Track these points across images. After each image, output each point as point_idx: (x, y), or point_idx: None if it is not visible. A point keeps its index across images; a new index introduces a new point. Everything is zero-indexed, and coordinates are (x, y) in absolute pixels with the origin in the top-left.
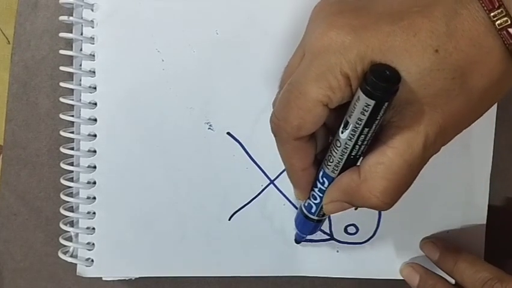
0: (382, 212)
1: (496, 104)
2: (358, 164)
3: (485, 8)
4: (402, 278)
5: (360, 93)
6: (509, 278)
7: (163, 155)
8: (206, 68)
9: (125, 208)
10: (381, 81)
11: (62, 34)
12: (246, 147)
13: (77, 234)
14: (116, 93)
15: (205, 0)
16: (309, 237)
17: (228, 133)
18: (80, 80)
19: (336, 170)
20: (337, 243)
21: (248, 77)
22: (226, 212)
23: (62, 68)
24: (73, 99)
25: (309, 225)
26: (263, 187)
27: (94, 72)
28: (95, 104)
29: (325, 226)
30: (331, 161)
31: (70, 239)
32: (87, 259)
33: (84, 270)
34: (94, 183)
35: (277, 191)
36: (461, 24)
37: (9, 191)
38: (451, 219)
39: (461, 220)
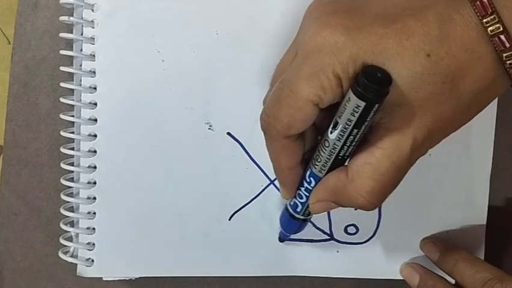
0: (382, 212)
1: (496, 104)
2: (346, 164)
3: (478, 14)
4: (402, 278)
5: (351, 95)
6: (509, 278)
7: (163, 155)
8: (206, 68)
9: (125, 208)
10: (372, 83)
11: (62, 34)
12: (246, 147)
13: (77, 234)
14: (117, 93)
15: (205, 0)
16: (309, 237)
17: (228, 133)
18: (81, 80)
19: (324, 170)
20: (337, 243)
21: (248, 77)
22: (226, 212)
23: (62, 68)
24: (73, 100)
25: (294, 224)
26: (263, 187)
27: (94, 72)
28: (96, 104)
29: (325, 226)
30: (319, 160)
31: (70, 239)
32: (87, 259)
33: (84, 270)
34: (94, 183)
35: (277, 191)
36: (454, 29)
37: (10, 191)
38: (451, 219)
39: (461, 220)
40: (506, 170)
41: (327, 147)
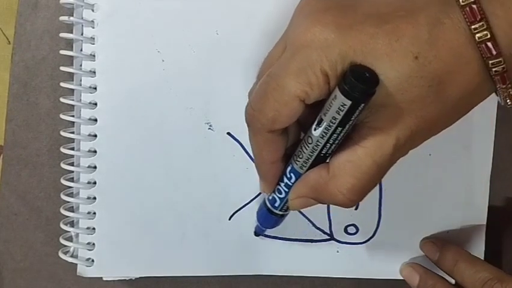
0: (382, 212)
1: (496, 104)
2: (327, 161)
3: (467, 20)
4: (402, 278)
5: (337, 93)
6: (509, 278)
7: (163, 155)
8: (206, 68)
9: (125, 208)
10: (360, 82)
11: (62, 34)
12: (246, 147)
13: (77, 234)
14: (117, 93)
15: (205, 0)
16: (309, 237)
17: (228, 133)
18: (81, 80)
19: (305, 167)
20: (337, 243)
21: (248, 77)
22: (226, 212)
23: (62, 68)
24: (73, 100)
25: (271, 219)
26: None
27: (94, 72)
28: (96, 104)
29: (325, 226)
30: (300, 157)
31: (70, 239)
32: (87, 259)
33: (84, 270)
34: (94, 183)
35: None
36: (443, 34)
37: (10, 191)
38: (451, 219)
39: (461, 220)
40: (506, 170)
41: (310, 144)
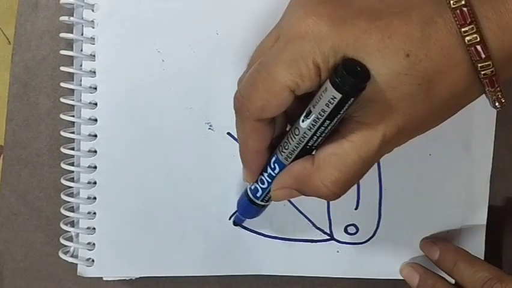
0: (382, 212)
1: None
2: (313, 154)
3: (457, 22)
4: (402, 278)
5: (328, 85)
6: (509, 278)
7: (163, 155)
8: (206, 68)
9: (126, 208)
10: (351, 76)
11: (62, 34)
12: None
13: (77, 234)
14: (117, 93)
15: (205, 0)
16: (309, 237)
17: (228, 133)
18: (81, 80)
19: (290, 158)
20: (337, 243)
21: None
22: (226, 212)
23: (62, 68)
24: (73, 100)
25: (251, 209)
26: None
27: (95, 72)
28: (96, 104)
29: (325, 226)
30: (286, 148)
31: (70, 239)
32: (87, 259)
33: (84, 270)
34: (95, 183)
35: None
36: (435, 33)
37: (10, 191)
38: (451, 219)
39: (461, 220)
40: (506, 170)
41: (297, 135)
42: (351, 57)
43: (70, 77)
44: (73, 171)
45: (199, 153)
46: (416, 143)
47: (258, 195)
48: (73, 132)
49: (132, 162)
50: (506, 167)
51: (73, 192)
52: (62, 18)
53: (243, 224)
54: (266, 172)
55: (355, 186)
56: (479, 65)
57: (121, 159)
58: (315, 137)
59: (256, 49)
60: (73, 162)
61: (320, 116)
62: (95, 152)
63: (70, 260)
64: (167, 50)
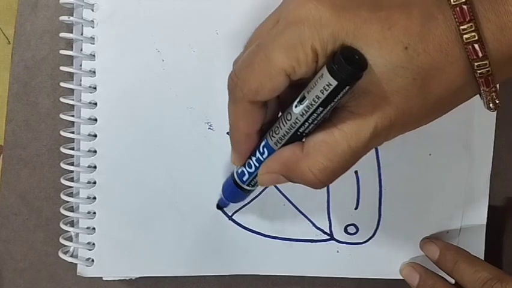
0: (382, 212)
1: None
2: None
3: (456, 19)
4: (402, 278)
5: (324, 71)
6: (509, 278)
7: (163, 154)
8: (206, 68)
9: (125, 208)
10: (348, 63)
11: (62, 34)
12: None
13: (77, 234)
14: (117, 93)
15: (205, 0)
16: (309, 237)
17: (228, 133)
18: (81, 80)
19: (279, 143)
20: (337, 243)
21: None
22: (226, 211)
23: (62, 68)
24: (73, 99)
25: (236, 193)
26: (263, 187)
27: (94, 72)
28: (96, 104)
29: (325, 226)
30: (277, 132)
31: (70, 239)
32: (87, 259)
33: (84, 270)
34: (94, 183)
35: (277, 191)
36: (435, 29)
37: (10, 190)
38: (451, 219)
39: (461, 220)
40: (506, 170)
41: (289, 120)
42: (350, 45)
43: (70, 76)
44: (72, 171)
45: (199, 153)
46: (416, 143)
47: (245, 179)
48: (72, 132)
49: (132, 162)
50: (506, 167)
51: (72, 192)
52: (62, 18)
53: (243, 224)
54: (254, 156)
55: (355, 186)
56: (476, 63)
57: (120, 159)
58: (307, 123)
59: (255, 31)
60: (73, 162)
61: (313, 102)
62: (95, 151)
63: (70, 259)
64: (167, 50)
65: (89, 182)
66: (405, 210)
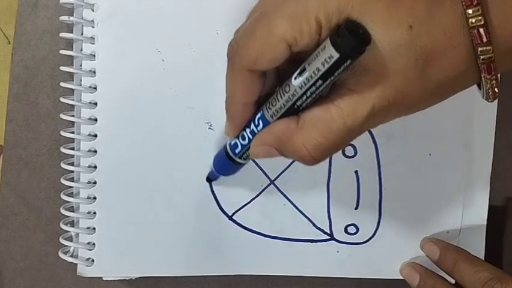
0: (382, 212)
1: (496, 104)
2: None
3: (463, 3)
4: (402, 278)
5: (327, 44)
6: (509, 278)
7: (163, 154)
8: (206, 68)
9: (125, 208)
10: (352, 36)
11: (62, 34)
12: None
13: (77, 234)
14: (117, 93)
15: (205, 0)
16: (309, 237)
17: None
18: (81, 80)
19: (275, 116)
20: (337, 243)
21: None
22: (226, 211)
23: (62, 68)
24: (73, 99)
25: (227, 165)
26: (263, 187)
27: (94, 72)
28: (96, 104)
29: (325, 226)
30: (274, 104)
31: (70, 239)
32: (87, 259)
33: (84, 270)
34: (95, 183)
35: (277, 191)
36: (440, 11)
37: (10, 190)
38: (451, 219)
39: (461, 220)
40: (506, 170)
41: (287, 92)
42: (355, 19)
43: (70, 76)
44: (72, 171)
45: (199, 153)
46: (416, 143)
47: (237, 151)
48: (72, 132)
49: (132, 161)
50: (506, 167)
51: (72, 192)
52: (62, 18)
53: (243, 224)
54: (249, 128)
55: (355, 186)
56: (480, 48)
57: (121, 159)
58: (305, 96)
59: (258, 2)
60: (73, 162)
61: (313, 75)
62: (95, 151)
63: (70, 259)
64: (167, 50)
65: (89, 182)
66: (405, 210)
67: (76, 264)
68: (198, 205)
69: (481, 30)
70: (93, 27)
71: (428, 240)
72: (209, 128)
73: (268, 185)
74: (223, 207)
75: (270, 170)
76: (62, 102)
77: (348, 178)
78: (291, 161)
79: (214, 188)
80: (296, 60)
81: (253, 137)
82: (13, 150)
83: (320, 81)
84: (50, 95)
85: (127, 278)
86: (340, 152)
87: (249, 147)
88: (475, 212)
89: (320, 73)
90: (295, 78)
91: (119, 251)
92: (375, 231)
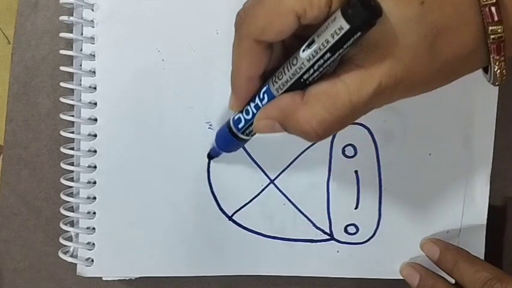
0: (382, 212)
1: (496, 104)
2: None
3: None
4: (402, 278)
5: (338, 15)
6: (509, 278)
7: (163, 154)
8: (206, 68)
9: (125, 208)
10: (364, 8)
11: (62, 34)
12: (246, 147)
13: (77, 234)
14: (117, 93)
15: (205, 0)
16: (309, 237)
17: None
18: (81, 80)
19: (281, 89)
20: (337, 243)
21: None
22: (226, 212)
23: (62, 68)
24: (73, 99)
25: (230, 141)
26: (263, 187)
27: (94, 72)
28: (96, 103)
29: (325, 226)
30: (280, 77)
31: (70, 239)
32: (87, 259)
33: (84, 270)
34: (94, 183)
35: (277, 191)
36: None
37: (10, 190)
38: (451, 219)
39: (461, 220)
40: (506, 170)
41: (294, 65)
42: None
43: (70, 76)
44: (72, 171)
45: (199, 153)
46: (416, 143)
47: (240, 126)
48: (72, 132)
49: (132, 161)
50: (506, 167)
51: (72, 192)
52: (62, 18)
53: (243, 224)
54: (253, 102)
55: (355, 186)
56: (490, 27)
57: (120, 159)
58: (312, 70)
59: None
60: (73, 162)
61: (322, 47)
62: (95, 151)
63: (70, 259)
64: (167, 50)
65: (89, 182)
66: (405, 210)
67: (76, 264)
68: (197, 205)
69: (493, 8)
70: (93, 27)
71: (428, 240)
72: (209, 128)
73: (268, 184)
74: (223, 207)
75: (270, 169)
76: (62, 102)
77: (348, 178)
78: (291, 160)
79: (214, 188)
80: (303, 37)
81: (257, 111)
82: (13, 150)
83: (328, 54)
84: (50, 95)
85: (127, 278)
86: (340, 152)
87: (252, 123)
88: (474, 211)
89: (329, 45)
90: (303, 50)
91: (119, 251)
92: (375, 231)
